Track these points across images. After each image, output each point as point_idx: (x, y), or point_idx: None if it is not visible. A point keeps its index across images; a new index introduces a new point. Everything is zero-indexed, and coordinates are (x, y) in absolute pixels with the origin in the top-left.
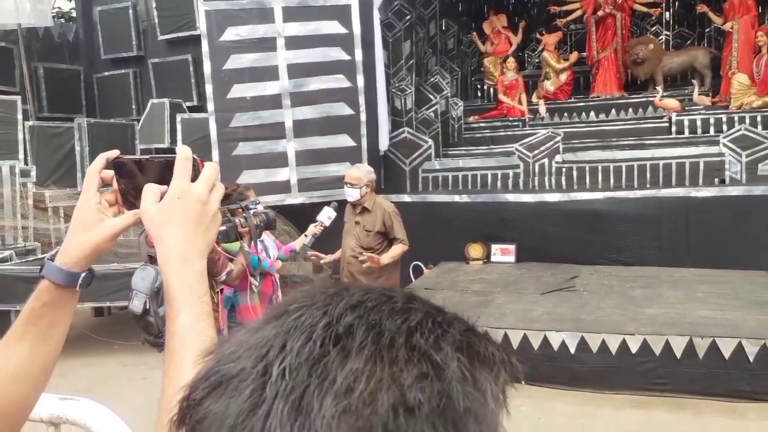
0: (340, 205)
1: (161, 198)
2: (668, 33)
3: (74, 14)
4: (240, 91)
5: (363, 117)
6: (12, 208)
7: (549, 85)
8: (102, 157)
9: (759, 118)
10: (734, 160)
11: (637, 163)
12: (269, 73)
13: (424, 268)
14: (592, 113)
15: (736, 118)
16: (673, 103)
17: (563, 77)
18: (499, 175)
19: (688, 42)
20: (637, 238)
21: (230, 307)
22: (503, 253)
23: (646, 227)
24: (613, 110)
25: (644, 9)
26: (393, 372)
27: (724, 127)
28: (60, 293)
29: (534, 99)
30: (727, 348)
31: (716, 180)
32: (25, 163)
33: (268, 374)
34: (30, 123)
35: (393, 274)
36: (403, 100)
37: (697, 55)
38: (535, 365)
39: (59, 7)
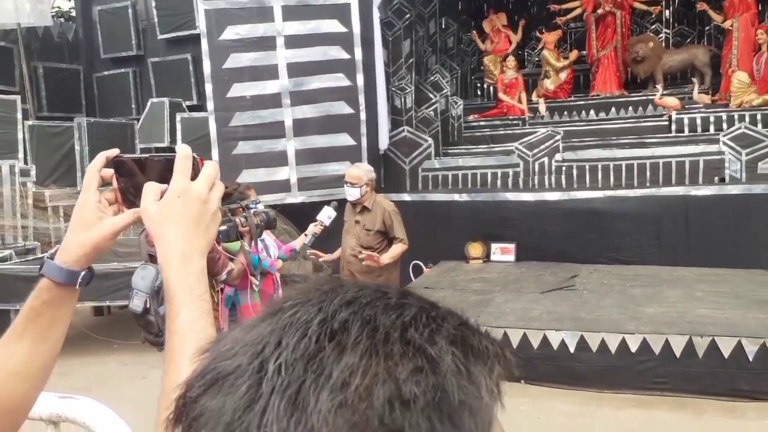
0: (340, 204)
1: (161, 196)
2: (668, 31)
3: (74, 14)
4: (240, 90)
5: (363, 116)
6: (12, 207)
7: (549, 84)
8: (102, 156)
9: (759, 117)
10: (734, 159)
11: (637, 162)
12: (269, 72)
13: (423, 267)
14: (592, 112)
15: (736, 117)
16: (673, 101)
17: (563, 76)
18: (499, 174)
19: (688, 40)
20: (636, 237)
21: (231, 305)
22: (503, 252)
23: (645, 226)
24: (613, 109)
25: (644, 7)
26: (388, 366)
27: (724, 126)
28: (60, 291)
29: (534, 97)
30: (726, 347)
31: (716, 178)
32: (25, 162)
33: (264, 370)
34: (30, 122)
35: (393, 273)
36: (402, 99)
37: (697, 53)
38: (535, 364)
39: (59, 7)
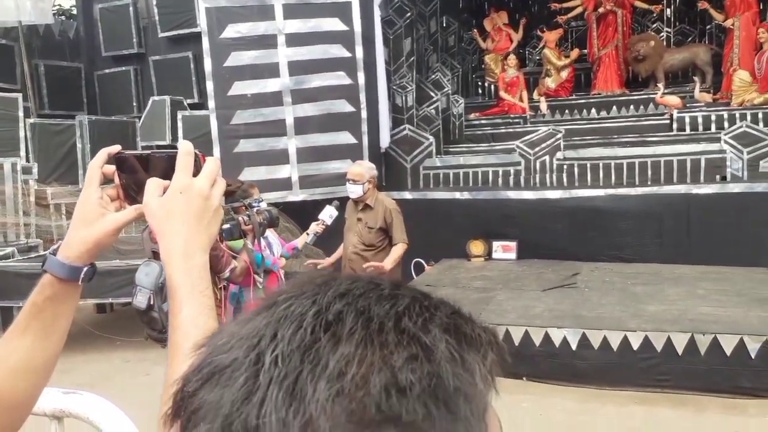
0: (342, 202)
1: (164, 193)
2: (669, 30)
3: (75, 11)
4: (241, 88)
5: (364, 114)
6: (14, 205)
7: (550, 82)
8: (104, 152)
9: (760, 115)
10: (735, 157)
11: (638, 160)
12: (270, 70)
13: (425, 265)
14: (593, 110)
15: (737, 115)
16: (674, 100)
17: (564, 74)
18: (500, 172)
19: (690, 39)
20: (638, 235)
21: (236, 303)
22: (504, 250)
23: (647, 224)
24: (614, 107)
25: (645, 6)
26: (384, 355)
27: (726, 124)
28: (62, 287)
29: (535, 96)
30: (728, 344)
31: (717, 177)
32: (27, 160)
33: (261, 362)
34: (31, 120)
35: (394, 271)
36: (404, 97)
37: (698, 52)
38: (537, 362)
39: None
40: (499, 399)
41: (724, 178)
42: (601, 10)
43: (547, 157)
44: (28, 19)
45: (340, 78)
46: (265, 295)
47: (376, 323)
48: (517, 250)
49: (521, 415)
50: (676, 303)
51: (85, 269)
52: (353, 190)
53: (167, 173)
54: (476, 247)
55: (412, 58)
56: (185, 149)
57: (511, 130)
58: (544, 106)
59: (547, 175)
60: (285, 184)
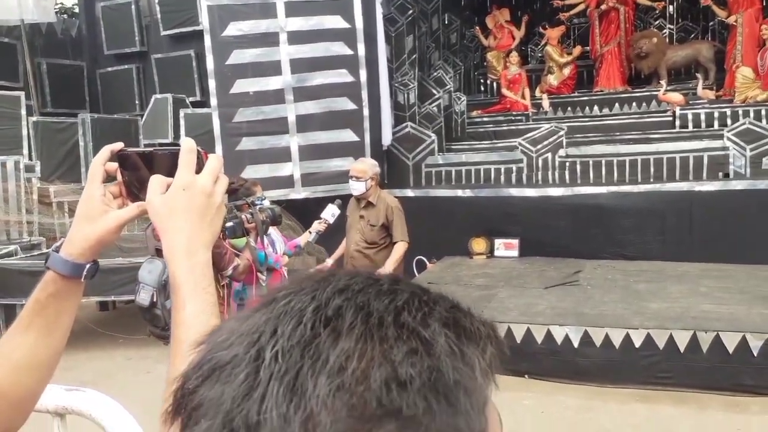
0: (344, 200)
1: (167, 190)
2: (672, 26)
3: (77, 10)
4: (243, 86)
5: (366, 112)
6: (17, 203)
7: (552, 80)
8: (106, 150)
9: (763, 112)
10: (738, 154)
11: (641, 158)
12: (272, 68)
13: (427, 263)
14: (595, 107)
15: (740, 112)
16: (677, 97)
17: (566, 71)
18: (503, 170)
19: (692, 35)
20: (640, 233)
21: (239, 300)
22: (507, 248)
23: (649, 222)
24: (617, 104)
25: (648, 2)
26: (384, 349)
27: (728, 121)
28: (65, 284)
29: (537, 93)
30: (730, 342)
31: (720, 174)
32: (30, 158)
33: (261, 358)
34: (34, 118)
35: (396, 269)
36: (406, 95)
37: (701, 49)
38: (539, 359)
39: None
40: (501, 397)
41: (726, 176)
42: (603, 6)
43: (549, 155)
44: (31, 17)
45: (342, 75)
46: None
47: (376, 318)
48: (519, 247)
49: (523, 412)
50: (678, 300)
51: (88, 266)
52: (356, 187)
53: (170, 170)
54: (478, 244)
55: (414, 56)
56: (188, 146)
57: (513, 127)
58: (546, 103)
59: (550, 173)
60: (287, 182)
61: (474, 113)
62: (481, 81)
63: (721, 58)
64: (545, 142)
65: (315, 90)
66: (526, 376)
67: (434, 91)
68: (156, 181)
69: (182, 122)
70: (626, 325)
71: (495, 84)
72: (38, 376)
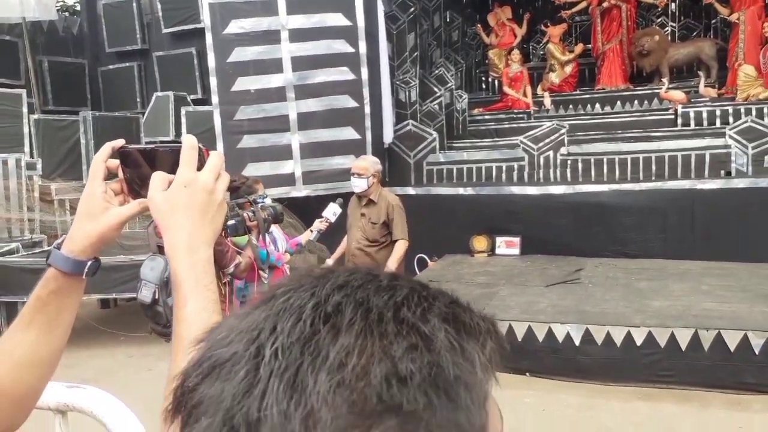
0: (346, 198)
1: (168, 186)
2: (674, 24)
3: (78, 8)
4: (244, 83)
5: (367, 109)
6: (18, 200)
7: (554, 77)
8: (107, 147)
9: (765, 110)
10: (740, 152)
11: (643, 156)
12: (273, 66)
13: (428, 261)
14: (597, 105)
15: (742, 110)
16: (678, 94)
17: (568, 69)
18: (504, 168)
19: (694, 33)
20: (642, 231)
21: (242, 297)
22: (508, 246)
23: (651, 220)
24: (619, 102)
25: (650, 0)
26: (383, 345)
27: (731, 119)
28: (66, 281)
29: (539, 91)
30: (732, 340)
31: (722, 172)
32: (31, 156)
33: (261, 355)
34: (35, 116)
35: (399, 269)
36: (407, 93)
37: (703, 47)
38: (540, 357)
39: (63, 1)
40: (502, 395)
41: (728, 174)
42: (605, 4)
43: (550, 153)
44: (32, 15)
45: (343, 73)
46: None
47: (375, 314)
48: (520, 245)
49: (524, 410)
50: (680, 298)
51: (89, 263)
52: (358, 184)
53: (171, 167)
54: (480, 242)
55: (415, 54)
56: (189, 143)
57: (514, 125)
58: (548, 101)
59: (551, 171)
60: (288, 180)
61: (475, 111)
62: (483, 79)
63: (723, 56)
64: (547, 140)
65: (316, 88)
66: (527, 374)
67: (436, 89)
68: (157, 178)
69: (183, 120)
70: (628, 323)
71: (496, 82)
72: (39, 374)
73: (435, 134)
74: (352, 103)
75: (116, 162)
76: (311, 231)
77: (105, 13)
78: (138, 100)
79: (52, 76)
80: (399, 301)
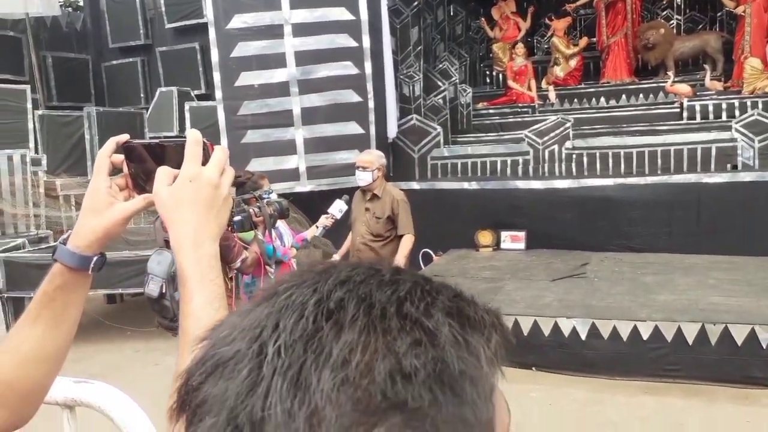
0: (351, 195)
1: (173, 181)
2: (679, 17)
3: (81, 3)
4: (248, 78)
5: (371, 104)
6: (23, 196)
7: (558, 71)
8: (112, 141)
9: None
10: (746, 146)
11: (648, 149)
12: (277, 61)
13: (433, 255)
14: (602, 99)
15: (748, 103)
16: (684, 88)
17: (573, 63)
18: (509, 162)
19: (700, 26)
20: (648, 225)
21: (249, 293)
22: (513, 240)
23: (657, 213)
24: (624, 96)
25: None
26: (387, 341)
27: (737, 113)
28: (72, 276)
29: (543, 85)
30: (739, 334)
31: (728, 166)
32: (36, 151)
33: (264, 353)
34: (40, 112)
35: (406, 264)
36: (411, 87)
37: (708, 40)
38: (546, 352)
39: None
40: (508, 389)
41: (735, 167)
42: None
43: (555, 147)
44: (36, 10)
45: (347, 68)
46: None
47: (378, 309)
48: (525, 240)
49: (530, 405)
50: (686, 293)
51: (95, 258)
52: (362, 177)
53: (176, 162)
54: (485, 237)
55: (419, 48)
56: (194, 138)
57: (519, 119)
58: (552, 95)
59: (556, 165)
60: (292, 175)
61: (480, 105)
62: (487, 73)
63: (729, 49)
64: (552, 134)
65: (320, 82)
66: (533, 368)
67: (440, 83)
68: (163, 173)
69: (187, 115)
70: (634, 318)
71: (501, 76)
72: (47, 369)
73: (439, 129)
74: (355, 98)
75: (121, 157)
76: (317, 227)
77: (108, 8)
78: (142, 95)
79: (56, 71)
80: (402, 296)
